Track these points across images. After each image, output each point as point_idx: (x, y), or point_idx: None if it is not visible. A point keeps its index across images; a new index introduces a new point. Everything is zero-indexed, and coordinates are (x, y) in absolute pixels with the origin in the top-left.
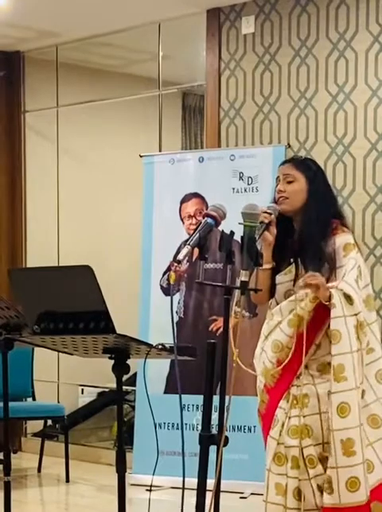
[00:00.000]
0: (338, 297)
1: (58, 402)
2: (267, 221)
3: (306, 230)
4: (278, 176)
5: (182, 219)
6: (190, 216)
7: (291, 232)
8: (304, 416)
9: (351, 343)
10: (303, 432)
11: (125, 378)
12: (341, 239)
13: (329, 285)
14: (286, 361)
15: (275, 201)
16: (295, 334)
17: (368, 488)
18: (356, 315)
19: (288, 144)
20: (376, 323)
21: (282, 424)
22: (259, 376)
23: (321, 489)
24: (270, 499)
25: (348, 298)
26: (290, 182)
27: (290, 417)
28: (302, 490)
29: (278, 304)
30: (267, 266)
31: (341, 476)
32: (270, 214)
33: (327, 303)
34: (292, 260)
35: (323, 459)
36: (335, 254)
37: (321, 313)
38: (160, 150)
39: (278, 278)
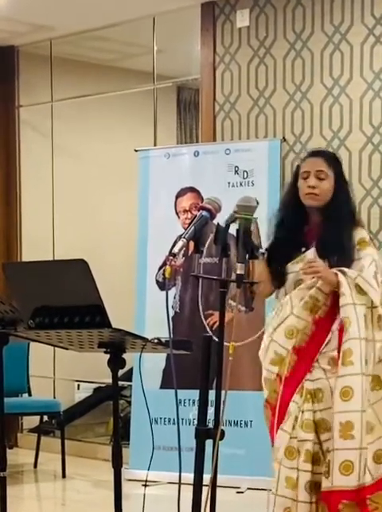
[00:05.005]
0: (347, 285)
1: (54, 398)
2: None
3: (333, 224)
4: (307, 171)
5: (178, 214)
6: (186, 211)
7: (303, 221)
8: (320, 411)
9: (359, 329)
10: (321, 427)
11: (121, 372)
12: (357, 234)
13: (334, 269)
14: (304, 346)
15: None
16: (312, 319)
17: (362, 476)
18: (371, 307)
19: (283, 138)
20: None
21: (296, 418)
22: (269, 366)
23: None
24: (280, 492)
25: (360, 290)
26: (321, 179)
27: (303, 411)
28: (319, 484)
29: (286, 294)
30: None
31: (336, 459)
32: None
33: (337, 290)
34: (304, 249)
35: None
36: (353, 247)
37: (336, 300)
38: (155, 145)
39: (289, 267)
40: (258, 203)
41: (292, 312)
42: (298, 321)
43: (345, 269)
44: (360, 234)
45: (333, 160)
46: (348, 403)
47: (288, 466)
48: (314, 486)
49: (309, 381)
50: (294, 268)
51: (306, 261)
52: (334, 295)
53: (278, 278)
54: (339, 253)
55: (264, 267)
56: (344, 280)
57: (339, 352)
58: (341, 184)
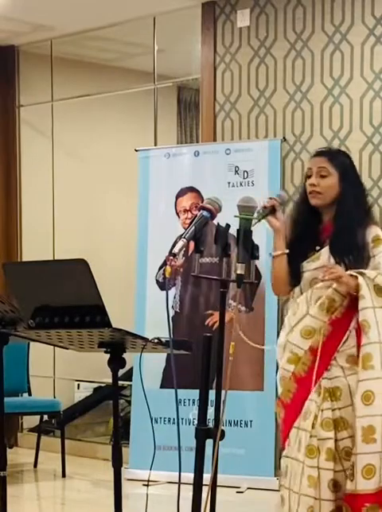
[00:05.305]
0: (367, 288)
1: (54, 397)
2: (268, 205)
3: (342, 222)
4: (310, 168)
5: (178, 214)
6: (186, 210)
7: (316, 220)
8: (338, 409)
9: (379, 333)
10: (339, 425)
11: (121, 372)
12: (371, 231)
13: (353, 271)
14: (320, 347)
15: (305, 193)
16: (329, 319)
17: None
18: None
19: (284, 138)
20: None
21: (315, 417)
22: (286, 365)
23: None
24: (303, 491)
25: (379, 290)
26: (323, 176)
27: (322, 410)
28: (338, 482)
29: (302, 292)
30: (278, 253)
31: (359, 463)
32: (273, 198)
33: (356, 293)
34: (318, 248)
35: None
36: (367, 245)
37: (354, 300)
38: (155, 144)
39: (304, 265)
40: (289, 196)
41: (308, 312)
42: (314, 321)
43: (364, 271)
44: (374, 231)
45: (337, 157)
46: (370, 407)
47: (309, 465)
48: (334, 485)
49: (327, 379)
50: (309, 266)
51: (325, 268)
52: (351, 296)
53: (295, 276)
54: (353, 253)
55: (283, 264)
56: (364, 282)
57: (358, 351)
58: (348, 181)
